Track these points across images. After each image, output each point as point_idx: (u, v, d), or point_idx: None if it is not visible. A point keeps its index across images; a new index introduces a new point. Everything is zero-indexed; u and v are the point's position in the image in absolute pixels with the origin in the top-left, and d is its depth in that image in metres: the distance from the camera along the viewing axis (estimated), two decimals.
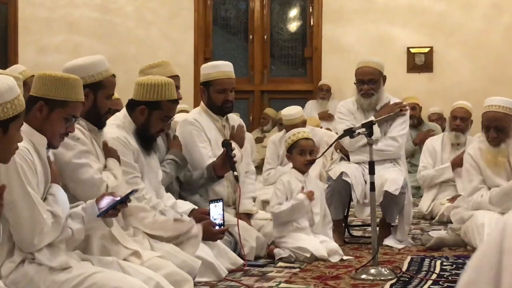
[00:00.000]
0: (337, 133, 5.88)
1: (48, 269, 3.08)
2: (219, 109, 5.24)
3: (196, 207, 4.64)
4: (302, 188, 5.15)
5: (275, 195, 5.21)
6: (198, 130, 5.18)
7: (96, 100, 3.78)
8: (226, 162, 4.93)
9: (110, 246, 3.56)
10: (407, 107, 5.96)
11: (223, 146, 4.98)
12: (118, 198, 3.27)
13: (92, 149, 3.76)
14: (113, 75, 3.90)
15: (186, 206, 4.60)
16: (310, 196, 5.11)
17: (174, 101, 4.34)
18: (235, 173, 4.87)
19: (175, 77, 4.84)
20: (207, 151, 5.15)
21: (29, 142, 3.16)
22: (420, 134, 9.23)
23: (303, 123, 6.98)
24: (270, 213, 5.26)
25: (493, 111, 5.28)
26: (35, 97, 3.27)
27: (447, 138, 7.37)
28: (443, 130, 8.94)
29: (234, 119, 5.46)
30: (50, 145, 3.29)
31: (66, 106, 3.28)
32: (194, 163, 5.07)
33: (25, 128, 3.17)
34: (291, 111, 7.17)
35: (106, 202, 3.27)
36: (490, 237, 1.11)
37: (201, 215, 4.51)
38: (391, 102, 5.85)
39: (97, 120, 3.82)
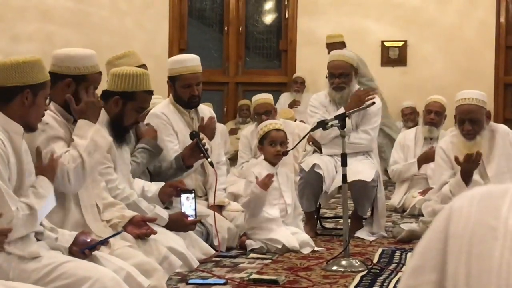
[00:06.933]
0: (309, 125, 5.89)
1: (17, 258, 3.06)
2: (186, 104, 5.24)
3: (164, 183, 4.70)
4: (257, 178, 5.07)
5: (245, 188, 5.21)
6: (164, 124, 5.17)
7: (77, 92, 3.75)
8: (194, 152, 4.92)
9: None
10: (375, 95, 5.94)
11: (191, 138, 4.96)
12: (99, 240, 3.34)
13: (61, 134, 3.70)
14: (100, 73, 3.87)
15: (154, 188, 4.66)
16: (265, 181, 5.00)
17: (149, 92, 4.34)
18: (209, 159, 4.87)
19: (143, 67, 4.84)
20: (173, 145, 5.14)
21: (3, 132, 3.13)
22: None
23: (272, 107, 7.15)
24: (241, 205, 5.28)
25: (466, 104, 5.26)
26: (16, 86, 3.21)
27: (420, 132, 7.36)
28: (416, 124, 8.95)
29: (204, 110, 5.44)
30: (31, 129, 3.27)
31: (46, 87, 3.29)
32: (160, 156, 5.05)
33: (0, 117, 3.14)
34: (261, 95, 7.32)
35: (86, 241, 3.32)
36: (435, 223, 1.11)
37: (169, 190, 4.61)
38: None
39: None
